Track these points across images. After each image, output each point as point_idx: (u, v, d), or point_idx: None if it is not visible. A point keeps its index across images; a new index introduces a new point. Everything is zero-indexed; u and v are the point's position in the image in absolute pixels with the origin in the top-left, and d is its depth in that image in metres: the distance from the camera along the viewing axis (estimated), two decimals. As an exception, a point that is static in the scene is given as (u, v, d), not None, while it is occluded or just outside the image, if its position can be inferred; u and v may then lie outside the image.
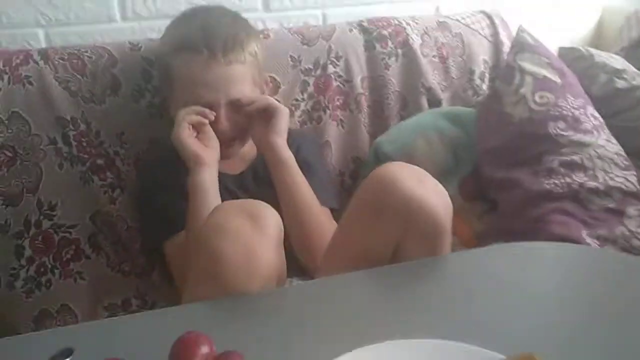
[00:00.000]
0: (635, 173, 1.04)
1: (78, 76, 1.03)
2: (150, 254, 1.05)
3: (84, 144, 1.02)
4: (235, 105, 0.97)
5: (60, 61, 1.03)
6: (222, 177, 0.96)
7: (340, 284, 0.72)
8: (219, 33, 0.95)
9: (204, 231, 0.71)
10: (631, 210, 0.99)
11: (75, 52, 1.04)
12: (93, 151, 1.03)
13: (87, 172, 1.02)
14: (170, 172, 0.97)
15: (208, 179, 0.92)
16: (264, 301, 0.68)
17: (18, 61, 1.01)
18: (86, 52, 1.05)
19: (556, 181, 1.04)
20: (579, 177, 1.03)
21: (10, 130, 0.99)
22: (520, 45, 1.16)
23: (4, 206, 0.99)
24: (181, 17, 1.03)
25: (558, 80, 1.12)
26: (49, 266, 1.01)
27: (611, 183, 1.01)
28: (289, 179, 0.97)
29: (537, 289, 0.71)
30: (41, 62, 1.02)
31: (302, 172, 0.99)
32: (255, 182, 1.04)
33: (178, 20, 1.03)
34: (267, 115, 0.98)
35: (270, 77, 1.11)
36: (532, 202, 1.04)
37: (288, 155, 0.98)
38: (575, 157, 1.04)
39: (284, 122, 0.98)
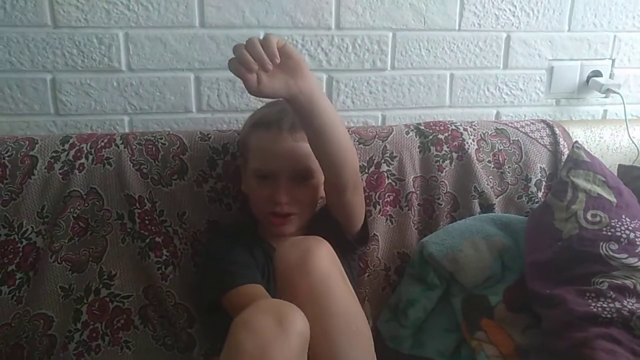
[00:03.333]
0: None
1: (151, 160, 1.13)
2: (204, 313, 1.07)
3: (147, 221, 1.11)
4: (297, 182, 1.03)
5: (138, 145, 1.14)
6: (269, 249, 1.03)
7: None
8: (290, 116, 1.02)
9: (234, 323, 0.76)
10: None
11: (152, 138, 1.15)
12: (154, 229, 1.12)
13: (145, 248, 1.11)
14: (233, 239, 1.06)
15: None
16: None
17: (102, 144, 1.13)
18: (161, 138, 1.15)
19: (604, 305, 0.99)
20: (630, 303, 0.98)
21: (86, 204, 1.10)
22: (574, 161, 1.15)
23: (70, 272, 1.09)
24: (266, 104, 1.13)
25: (613, 200, 1.09)
26: (101, 332, 1.08)
27: (665, 313, 0.96)
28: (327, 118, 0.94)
29: None
30: (121, 146, 1.13)
31: None
32: None
33: (262, 106, 1.14)
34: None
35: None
36: (577, 324, 0.99)
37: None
38: (628, 282, 1.00)
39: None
